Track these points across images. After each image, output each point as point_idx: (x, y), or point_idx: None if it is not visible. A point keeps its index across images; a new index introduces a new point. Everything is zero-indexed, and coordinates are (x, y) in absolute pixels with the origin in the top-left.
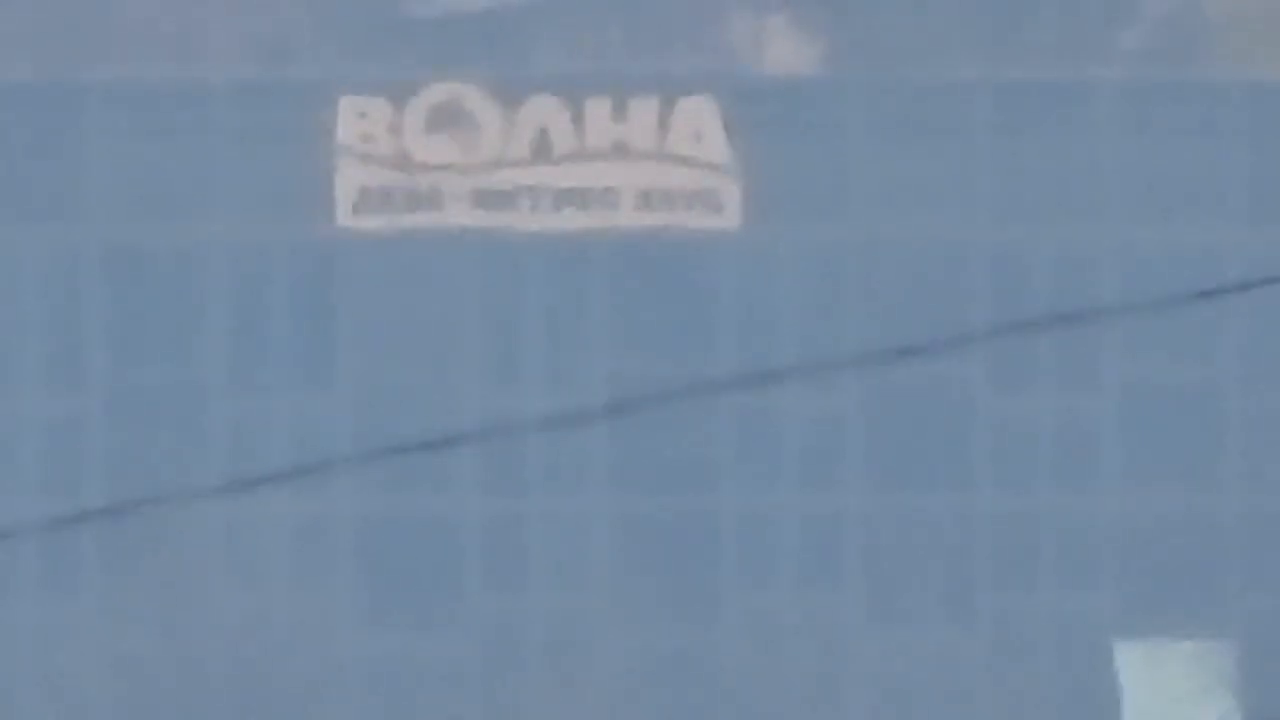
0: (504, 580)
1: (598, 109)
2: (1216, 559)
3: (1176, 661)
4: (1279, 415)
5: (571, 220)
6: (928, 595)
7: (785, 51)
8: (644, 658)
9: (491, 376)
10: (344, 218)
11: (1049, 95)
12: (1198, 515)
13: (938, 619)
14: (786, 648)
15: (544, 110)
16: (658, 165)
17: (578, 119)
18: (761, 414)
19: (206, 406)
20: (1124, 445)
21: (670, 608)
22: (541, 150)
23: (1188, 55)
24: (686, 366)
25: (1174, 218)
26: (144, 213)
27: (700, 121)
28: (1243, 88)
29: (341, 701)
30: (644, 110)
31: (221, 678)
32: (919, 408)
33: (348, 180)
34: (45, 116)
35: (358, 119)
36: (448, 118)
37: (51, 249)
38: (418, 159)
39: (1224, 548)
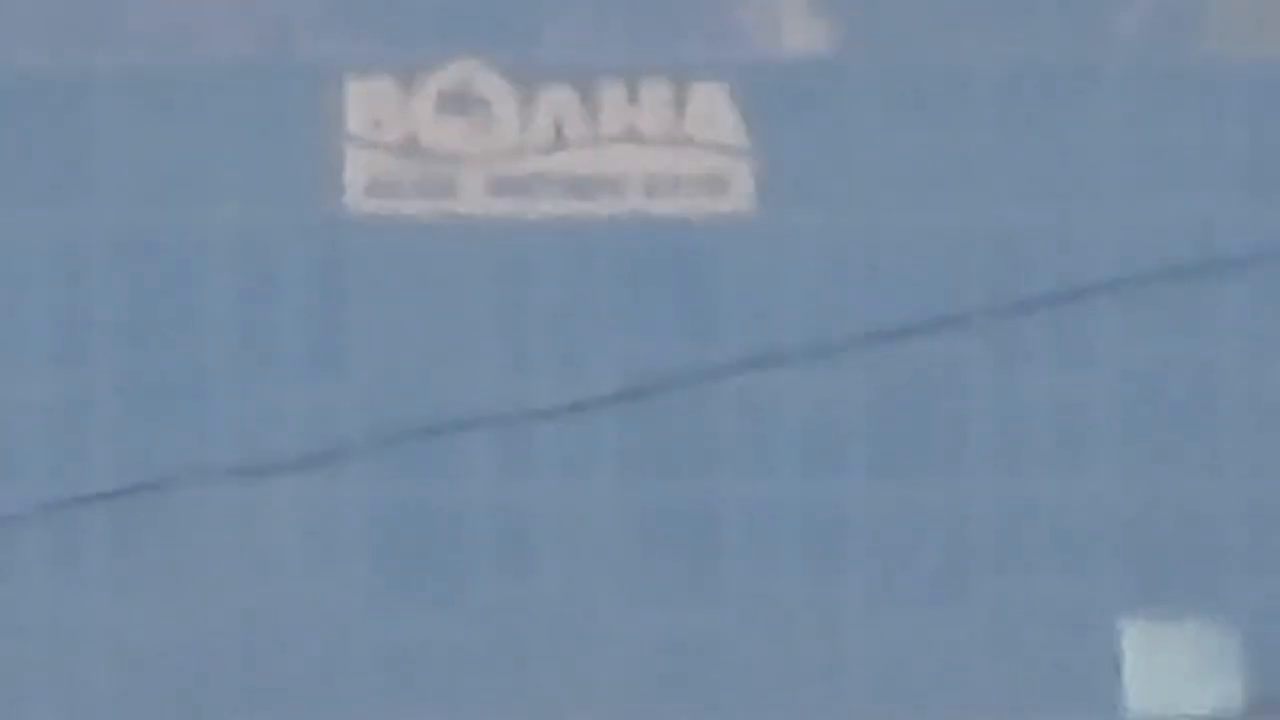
0: (514, 565)
1: (611, 93)
2: (1219, 539)
3: (1178, 643)
4: None
5: (583, 206)
6: (929, 578)
7: (799, 34)
8: (652, 641)
9: (503, 363)
10: (354, 202)
11: (1060, 77)
12: (1200, 495)
13: (938, 601)
14: (790, 629)
15: (557, 95)
16: (670, 150)
17: (591, 103)
18: (772, 399)
19: (216, 391)
20: (1124, 425)
21: (679, 592)
22: (555, 135)
23: (1188, 35)
24: (698, 352)
25: (1174, 195)
26: (151, 196)
27: (713, 105)
28: (1241, 66)
29: (352, 686)
30: (657, 94)
31: (230, 663)
32: (927, 390)
33: (357, 165)
34: (51, 99)
35: (367, 102)
36: (459, 101)
37: (58, 232)
38: (428, 144)
39: (1227, 528)
